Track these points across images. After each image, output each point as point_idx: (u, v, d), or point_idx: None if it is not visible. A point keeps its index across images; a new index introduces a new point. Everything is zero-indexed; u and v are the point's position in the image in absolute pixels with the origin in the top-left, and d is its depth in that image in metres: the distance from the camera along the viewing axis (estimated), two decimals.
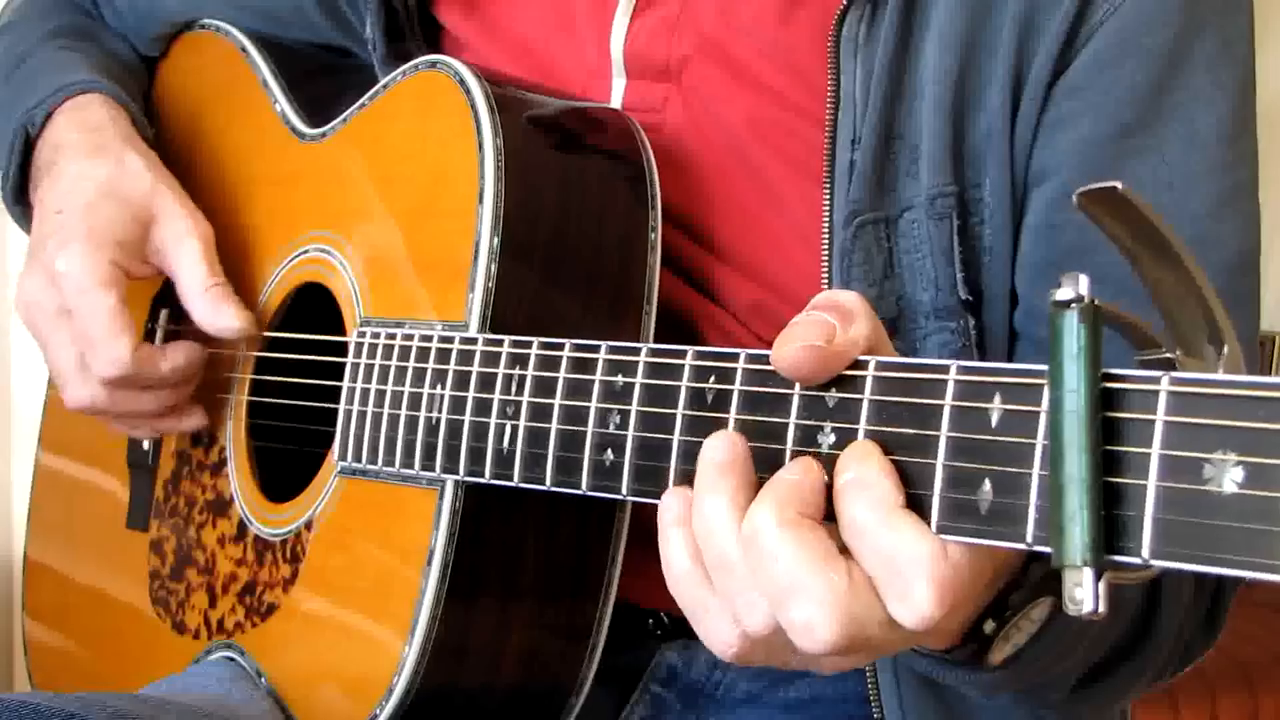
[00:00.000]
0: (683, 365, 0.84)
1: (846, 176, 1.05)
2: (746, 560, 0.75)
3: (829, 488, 0.75)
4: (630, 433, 0.87)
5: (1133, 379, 0.65)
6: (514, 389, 0.95)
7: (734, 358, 0.82)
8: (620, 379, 0.88)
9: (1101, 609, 0.64)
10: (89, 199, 1.23)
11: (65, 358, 1.23)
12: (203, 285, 1.23)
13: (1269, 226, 1.07)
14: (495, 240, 1.02)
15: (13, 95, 1.37)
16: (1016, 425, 0.69)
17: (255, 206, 1.31)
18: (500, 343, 0.97)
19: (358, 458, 1.09)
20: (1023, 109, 1.02)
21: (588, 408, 0.90)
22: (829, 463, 0.75)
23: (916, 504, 0.72)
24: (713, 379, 0.82)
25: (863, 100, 1.05)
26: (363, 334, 1.11)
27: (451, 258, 1.05)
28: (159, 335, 1.35)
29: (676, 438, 0.84)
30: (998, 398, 0.70)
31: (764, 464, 0.78)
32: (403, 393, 1.05)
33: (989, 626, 0.82)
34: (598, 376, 0.89)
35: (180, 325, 1.34)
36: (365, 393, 1.09)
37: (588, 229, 1.07)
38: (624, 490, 0.87)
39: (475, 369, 0.99)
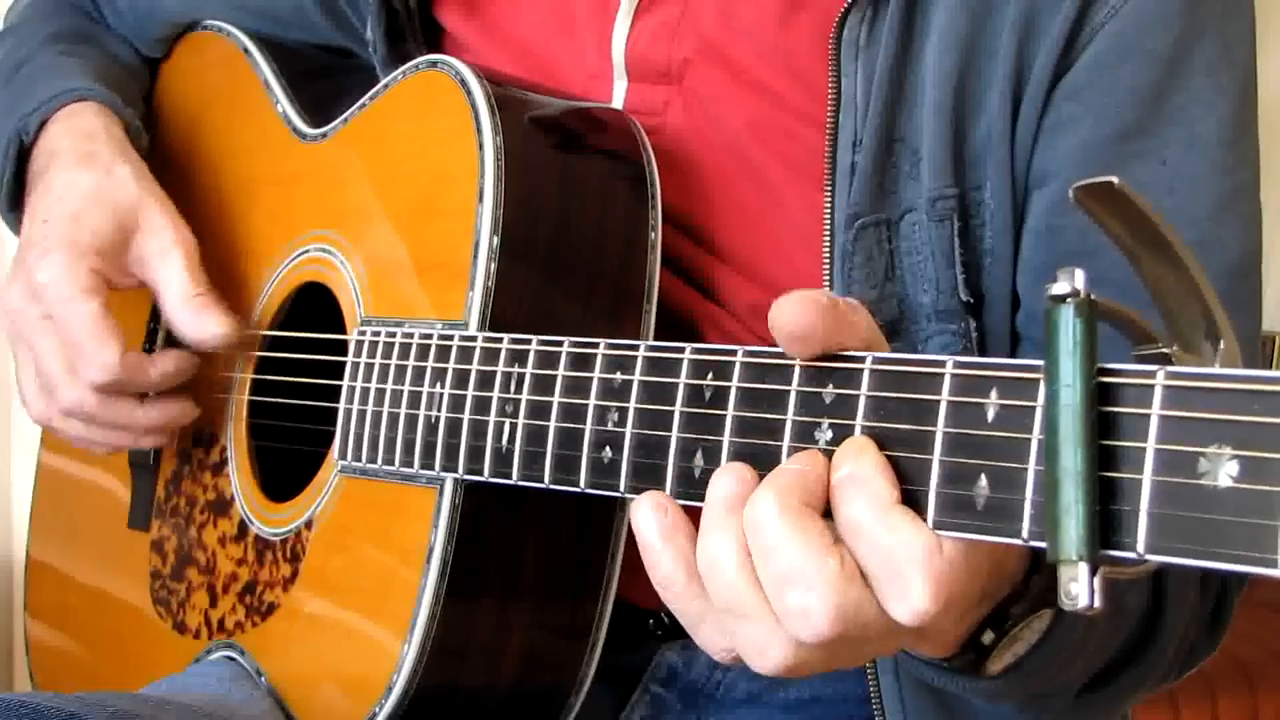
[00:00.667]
0: (681, 362, 0.84)
1: (847, 179, 1.05)
2: (752, 575, 0.75)
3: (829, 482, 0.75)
4: (629, 430, 0.87)
5: (1128, 373, 0.65)
6: (513, 387, 0.96)
7: (731, 354, 0.82)
8: (619, 376, 0.88)
9: (1097, 604, 0.64)
10: (74, 208, 1.24)
11: (55, 361, 1.23)
12: (185, 295, 1.23)
13: (1269, 226, 1.06)
14: (495, 239, 1.02)
15: (10, 101, 1.37)
16: (1013, 420, 0.69)
17: (256, 206, 1.31)
18: (499, 340, 0.98)
19: (358, 456, 1.09)
20: (1023, 112, 1.02)
21: (586, 405, 0.90)
22: (825, 455, 0.75)
23: (913, 499, 0.72)
24: (711, 375, 0.83)
25: (863, 103, 1.05)
26: (363, 333, 1.11)
27: (452, 257, 1.05)
28: (161, 335, 1.35)
29: (675, 434, 0.84)
30: (994, 393, 0.70)
31: (761, 460, 0.79)
32: (402, 391, 1.05)
33: (988, 637, 0.82)
34: (596, 374, 0.90)
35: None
36: (365, 391, 1.09)
37: (588, 228, 1.07)
38: (623, 487, 0.87)
39: (474, 367, 0.99)
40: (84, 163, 1.27)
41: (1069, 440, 0.64)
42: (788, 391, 0.78)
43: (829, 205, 1.06)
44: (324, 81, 1.35)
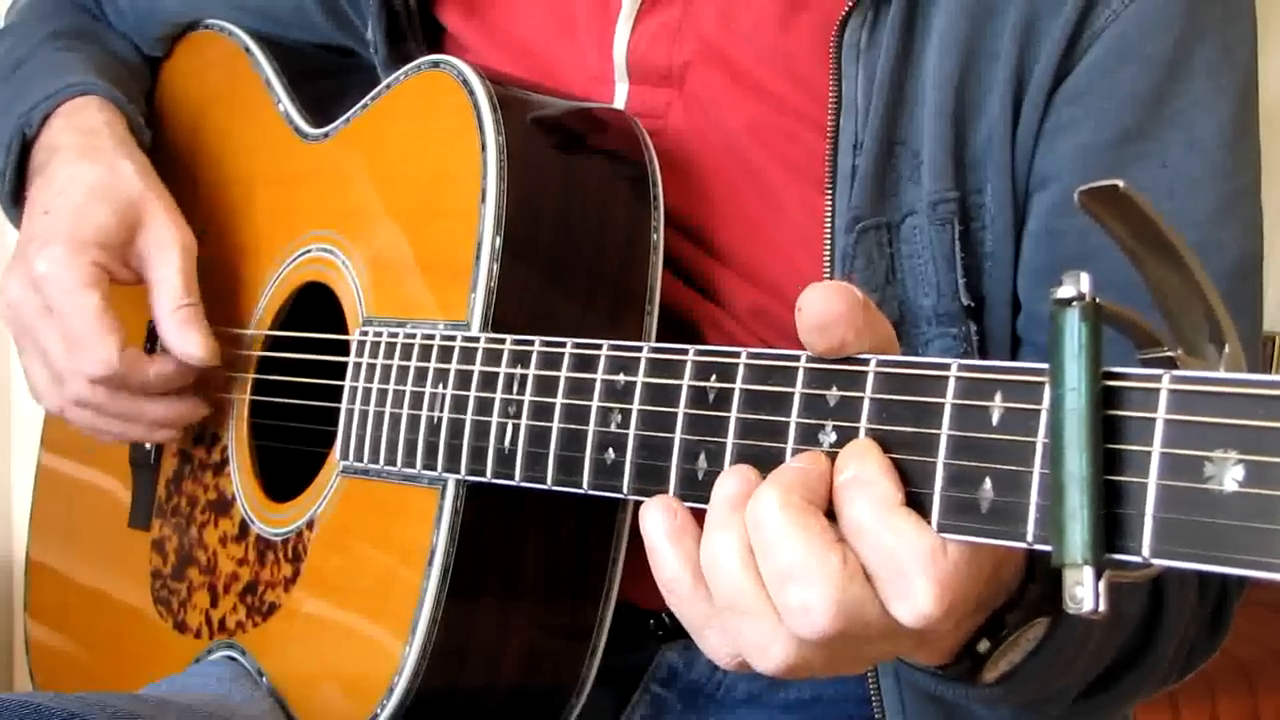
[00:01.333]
0: (684, 363, 0.84)
1: (848, 182, 1.05)
2: (756, 579, 0.74)
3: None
4: (632, 431, 0.87)
5: (1133, 377, 0.65)
6: (515, 388, 0.96)
7: (735, 355, 0.82)
8: (622, 378, 0.88)
9: (1102, 608, 0.64)
10: (77, 202, 1.24)
11: (50, 357, 1.23)
12: (174, 304, 1.23)
13: (1270, 227, 1.07)
14: (497, 240, 1.02)
15: (11, 96, 1.37)
16: (1017, 423, 0.69)
17: (258, 206, 1.31)
18: (502, 341, 0.97)
19: (359, 457, 1.09)
20: (1024, 115, 1.02)
21: (589, 406, 0.90)
22: (829, 456, 0.75)
23: (917, 502, 0.72)
24: (714, 377, 0.82)
25: (864, 106, 1.05)
26: (365, 333, 1.11)
27: (454, 257, 1.05)
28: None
29: (678, 436, 0.84)
30: (999, 396, 0.70)
31: (765, 462, 0.78)
32: (404, 392, 1.05)
33: (983, 646, 0.82)
34: (599, 375, 0.89)
35: None
36: (367, 392, 1.09)
37: (590, 229, 1.07)
38: (625, 489, 0.87)
39: (477, 368, 0.99)
40: (87, 157, 1.27)
41: (1074, 444, 0.64)
42: (791, 394, 0.78)
43: (830, 208, 1.06)
44: (325, 81, 1.35)
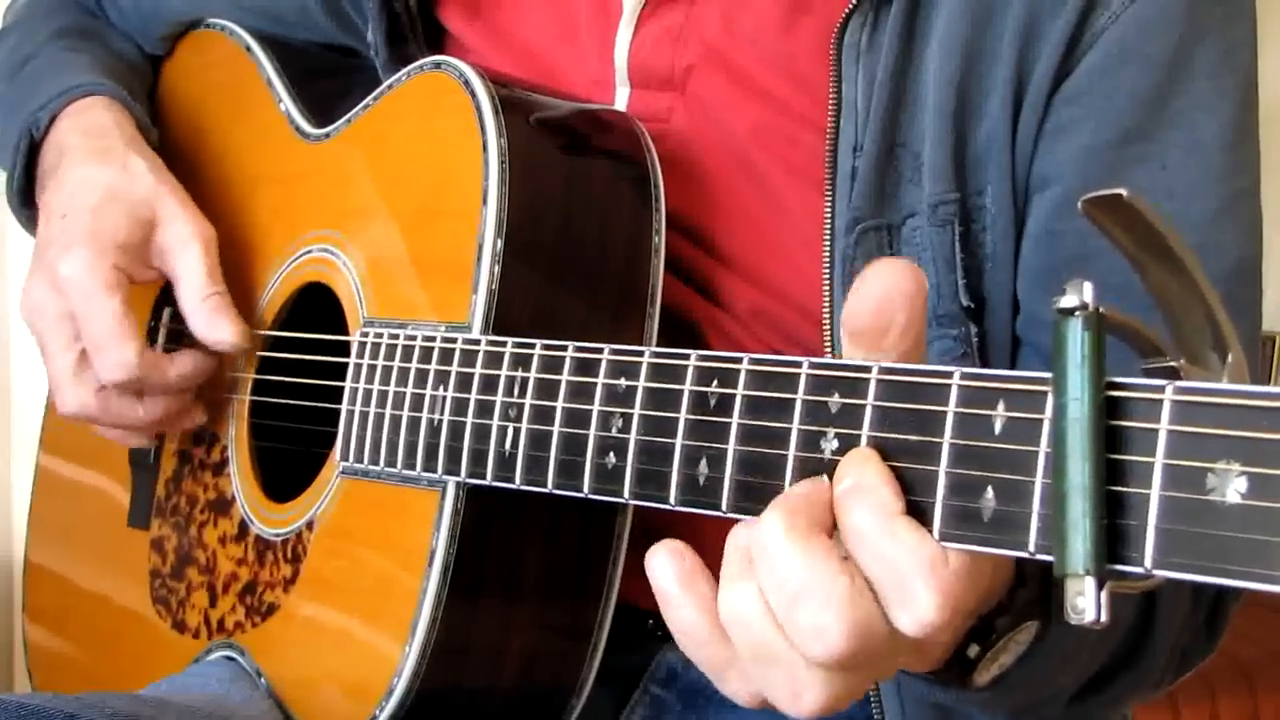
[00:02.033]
0: (686, 368, 0.84)
1: (848, 183, 1.05)
2: (776, 621, 0.73)
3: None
4: (633, 436, 0.87)
5: (1136, 387, 0.64)
6: (516, 391, 0.95)
7: (737, 361, 0.81)
8: (623, 382, 0.88)
9: (1104, 618, 0.64)
10: (92, 203, 1.23)
11: (65, 359, 1.23)
12: (201, 294, 1.23)
13: (1269, 228, 1.07)
14: (499, 242, 1.02)
15: (17, 97, 1.37)
16: (1020, 432, 0.68)
17: (259, 206, 1.31)
18: (503, 344, 0.97)
19: (359, 458, 1.09)
20: (1024, 116, 1.02)
21: (590, 411, 0.90)
22: (830, 469, 0.75)
23: (919, 511, 0.72)
24: (715, 383, 0.82)
25: (864, 107, 1.05)
26: (365, 334, 1.11)
27: (455, 259, 1.05)
28: (161, 333, 1.35)
29: (679, 441, 0.84)
30: (1001, 404, 0.69)
31: (766, 469, 0.78)
32: (405, 394, 1.05)
33: (973, 651, 0.81)
34: (600, 379, 0.89)
35: (183, 325, 1.34)
36: (367, 393, 1.09)
37: (592, 231, 1.07)
38: (626, 494, 0.87)
39: (478, 370, 0.99)
40: (98, 158, 1.27)
41: (1076, 454, 0.64)
42: (793, 400, 0.78)
43: (829, 209, 1.06)
44: (327, 81, 1.35)
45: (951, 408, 0.71)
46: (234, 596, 1.21)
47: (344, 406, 1.11)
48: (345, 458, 1.11)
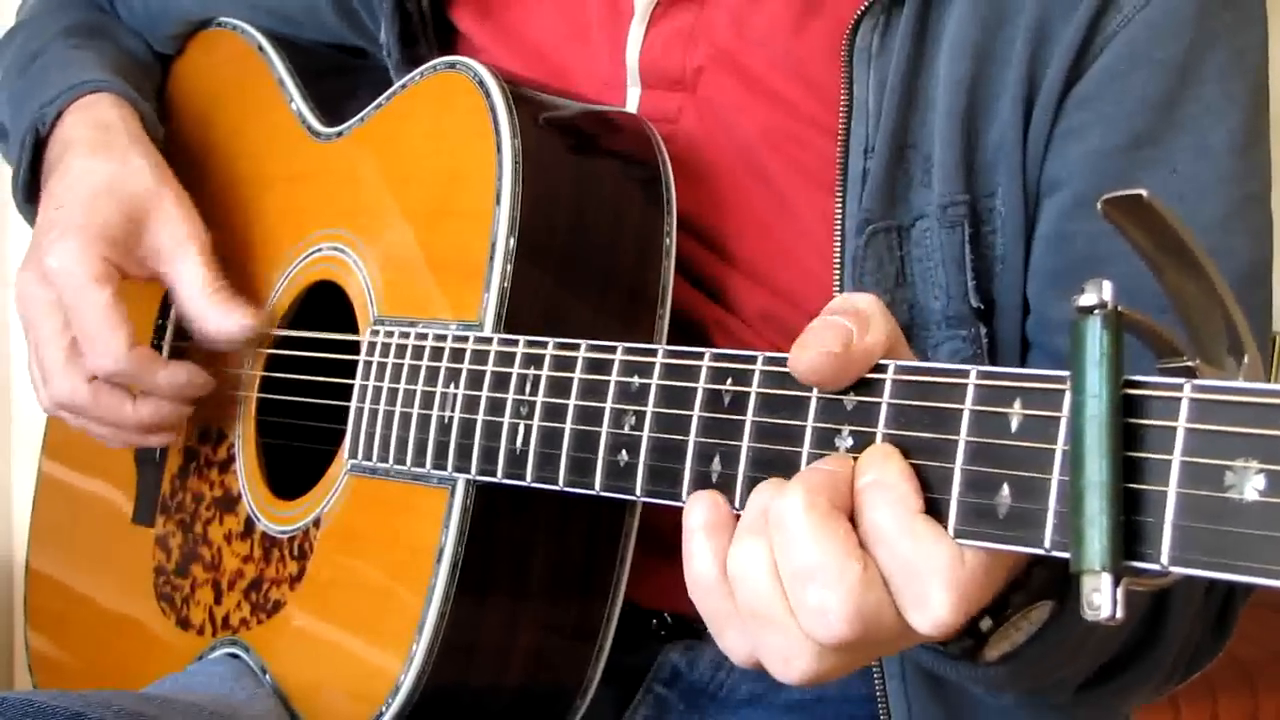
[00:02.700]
0: (700, 367, 0.84)
1: (859, 185, 1.05)
2: (779, 586, 0.74)
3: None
4: (645, 434, 0.87)
5: (1154, 385, 0.65)
6: (528, 389, 0.96)
7: (751, 360, 0.82)
8: (636, 380, 0.88)
9: (1120, 615, 0.64)
10: (89, 196, 1.24)
11: (54, 348, 1.22)
12: (205, 290, 1.23)
13: (1276, 229, 1.07)
14: (511, 241, 1.03)
15: (25, 92, 1.37)
16: (1036, 430, 0.69)
17: (269, 204, 1.31)
18: (515, 343, 0.98)
19: (369, 456, 1.09)
20: (1035, 119, 1.03)
21: (603, 408, 0.90)
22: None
23: (934, 508, 0.72)
24: (730, 381, 0.83)
25: (876, 109, 1.05)
26: (376, 332, 1.11)
27: (467, 258, 1.05)
28: (169, 331, 1.35)
29: (692, 439, 0.84)
30: (1018, 403, 0.70)
31: (779, 467, 0.79)
32: (415, 391, 1.05)
33: (985, 624, 0.82)
34: (613, 377, 0.90)
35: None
36: (378, 391, 1.09)
37: (603, 231, 1.07)
38: (638, 491, 0.87)
39: (489, 369, 0.99)
40: (100, 152, 1.27)
41: (1094, 451, 0.64)
42: (808, 398, 0.78)
43: (840, 211, 1.06)
44: (337, 80, 1.35)
45: (968, 406, 0.72)
46: (239, 593, 1.21)
47: (354, 404, 1.11)
48: (354, 455, 1.11)
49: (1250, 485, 0.60)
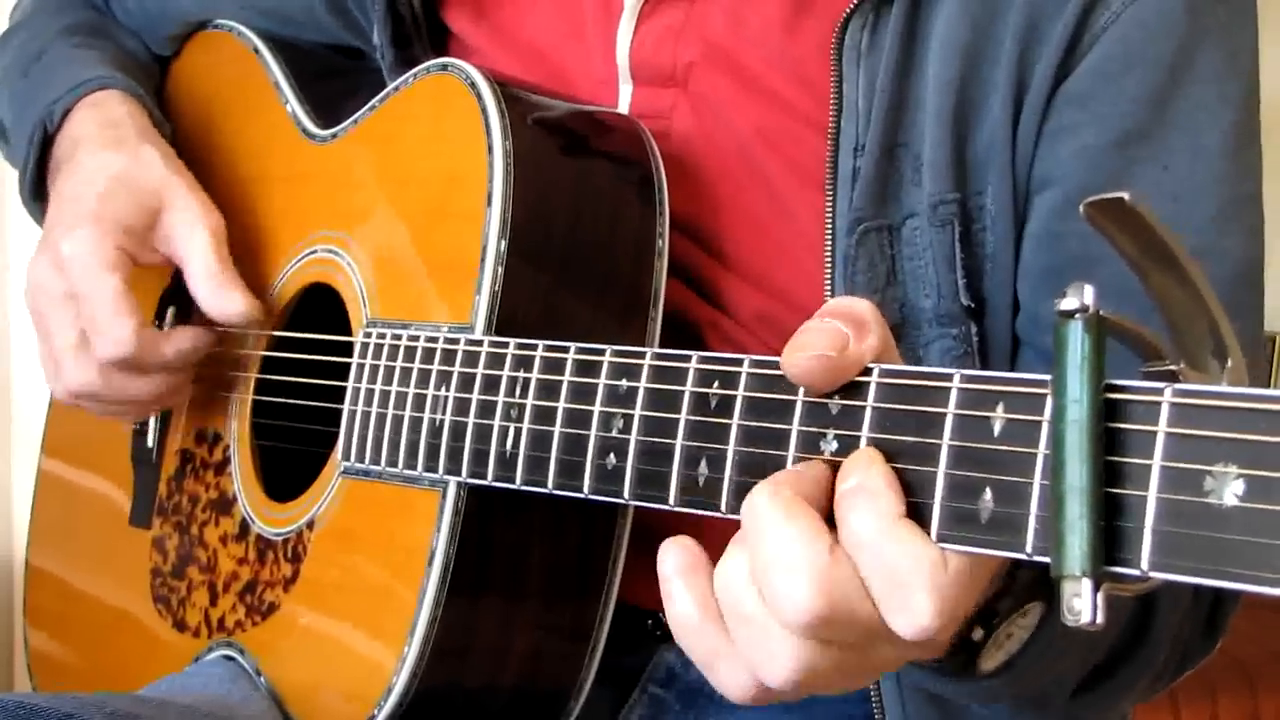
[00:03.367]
0: (687, 370, 0.84)
1: (849, 184, 1.05)
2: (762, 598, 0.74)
3: (832, 492, 0.75)
4: (633, 437, 0.87)
5: (1135, 390, 0.65)
6: (518, 392, 0.96)
7: (738, 363, 0.82)
8: (624, 383, 0.88)
9: (1100, 620, 0.64)
10: (102, 188, 1.25)
11: (65, 338, 1.23)
12: (210, 270, 1.24)
13: (1270, 229, 1.07)
14: (503, 243, 1.03)
15: (30, 91, 1.37)
16: (1019, 434, 0.69)
17: (265, 206, 1.31)
18: (505, 345, 0.98)
19: (361, 458, 1.09)
20: (1024, 117, 1.02)
21: (591, 411, 0.90)
22: (828, 465, 0.75)
23: (917, 512, 0.72)
24: (716, 384, 0.83)
25: (866, 108, 1.05)
26: (368, 334, 1.11)
27: (459, 260, 1.05)
28: (169, 320, 1.36)
29: (679, 442, 0.84)
30: (1000, 407, 0.70)
31: (766, 470, 0.78)
32: (407, 394, 1.05)
33: (977, 634, 0.81)
34: (602, 380, 0.90)
35: (188, 323, 1.34)
36: (370, 393, 1.09)
37: (596, 234, 1.07)
38: (626, 494, 0.87)
39: (479, 371, 0.99)
40: (112, 146, 1.28)
41: (1074, 456, 0.64)
42: (794, 402, 0.78)
43: (831, 210, 1.06)
44: (334, 82, 1.35)
45: (951, 410, 0.71)
46: (234, 596, 1.21)
47: (346, 406, 1.11)
48: (347, 457, 1.11)
49: (1229, 490, 0.60)
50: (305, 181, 1.28)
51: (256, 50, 1.39)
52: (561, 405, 0.92)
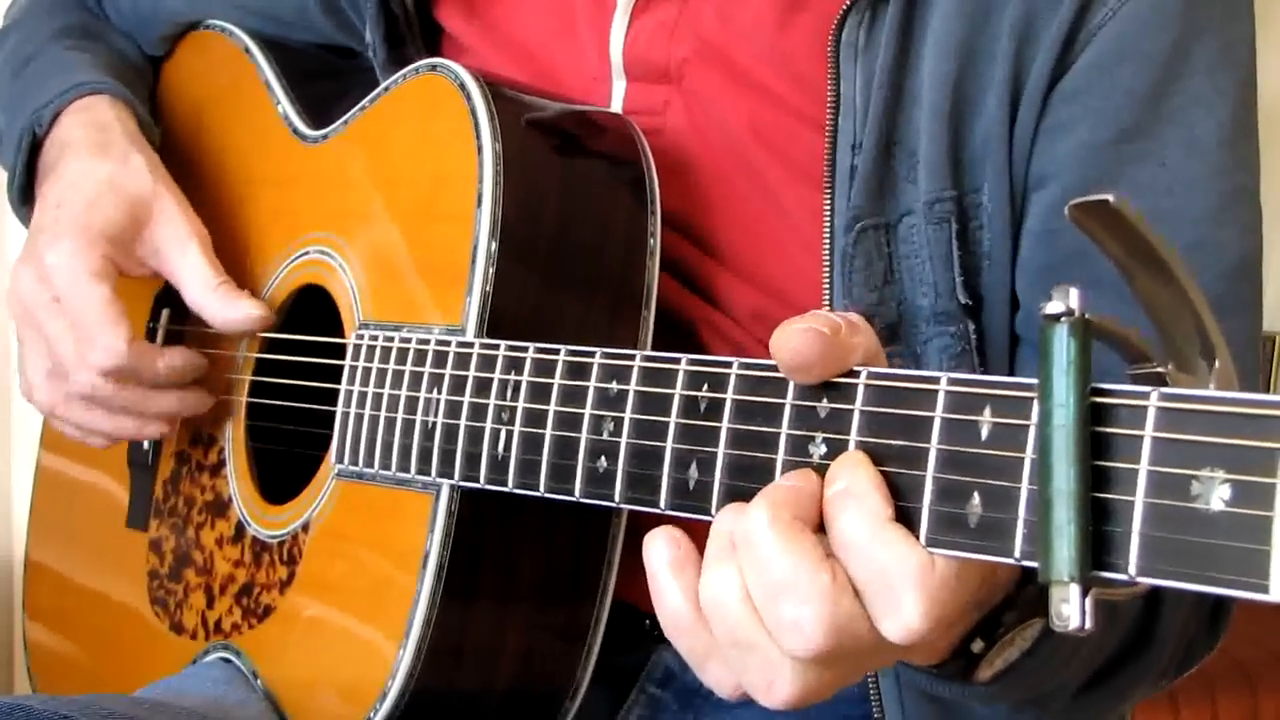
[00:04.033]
0: (676, 372, 0.84)
1: (847, 181, 1.05)
2: (753, 609, 0.74)
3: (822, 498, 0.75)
4: (624, 440, 0.87)
5: (1122, 394, 0.64)
6: (509, 394, 0.95)
7: (727, 365, 0.81)
8: (614, 385, 0.88)
9: (1088, 625, 0.64)
10: (88, 195, 1.24)
11: (56, 348, 1.23)
12: (210, 283, 1.24)
13: (1269, 226, 1.06)
14: (493, 244, 1.02)
15: (20, 94, 1.37)
16: (1006, 438, 0.68)
17: (256, 207, 1.31)
18: (496, 348, 0.97)
19: (355, 461, 1.09)
20: (1021, 114, 1.02)
21: (582, 414, 0.90)
22: (820, 473, 0.75)
23: (906, 516, 0.72)
24: (705, 387, 0.82)
25: (863, 105, 1.04)
26: (360, 337, 1.11)
27: (450, 261, 1.05)
28: (160, 335, 1.35)
29: (670, 445, 0.84)
30: (988, 410, 0.69)
31: (755, 473, 0.78)
32: (399, 396, 1.05)
33: (977, 646, 0.81)
34: (592, 383, 0.89)
35: (183, 325, 1.34)
36: (363, 396, 1.09)
37: (587, 234, 1.07)
38: (617, 498, 0.87)
39: (471, 373, 0.99)
40: (98, 153, 1.27)
41: (1061, 460, 0.64)
42: (782, 405, 0.78)
43: (829, 208, 1.06)
44: (326, 82, 1.35)
45: (939, 413, 0.71)
46: (231, 598, 1.21)
47: (339, 409, 1.11)
48: (340, 460, 1.11)
49: (1216, 495, 0.60)
50: (297, 182, 1.27)
51: (248, 50, 1.38)
52: (552, 408, 0.92)
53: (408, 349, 1.05)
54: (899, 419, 0.73)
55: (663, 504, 0.84)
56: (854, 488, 0.73)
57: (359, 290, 1.14)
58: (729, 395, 0.81)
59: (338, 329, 1.16)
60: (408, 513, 1.04)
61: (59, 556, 1.49)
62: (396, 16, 1.26)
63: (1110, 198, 0.65)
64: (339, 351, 1.14)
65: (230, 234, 1.30)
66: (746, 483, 0.79)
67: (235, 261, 1.29)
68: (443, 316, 1.05)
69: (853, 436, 0.75)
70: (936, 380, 0.72)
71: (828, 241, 1.05)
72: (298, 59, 1.38)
